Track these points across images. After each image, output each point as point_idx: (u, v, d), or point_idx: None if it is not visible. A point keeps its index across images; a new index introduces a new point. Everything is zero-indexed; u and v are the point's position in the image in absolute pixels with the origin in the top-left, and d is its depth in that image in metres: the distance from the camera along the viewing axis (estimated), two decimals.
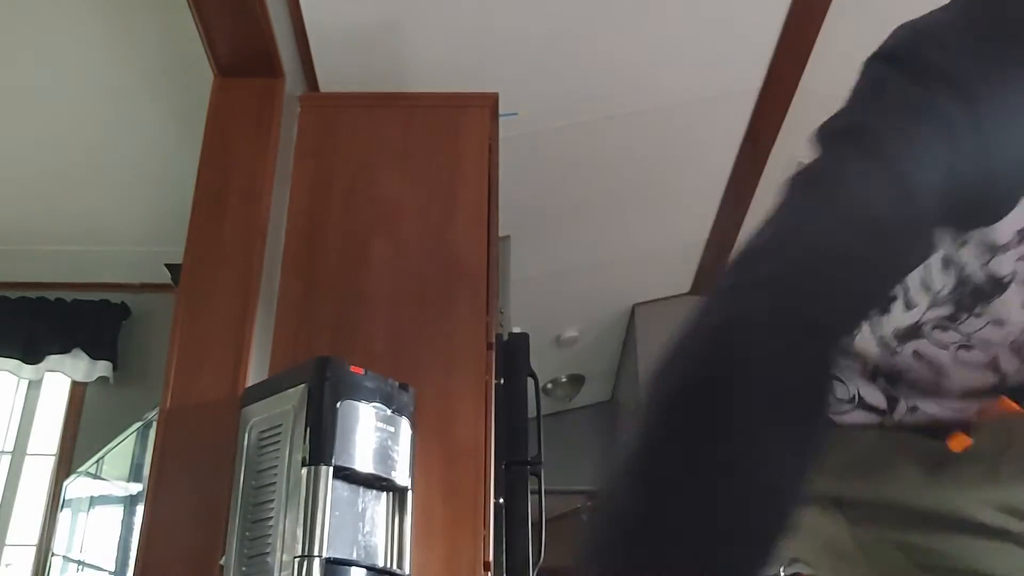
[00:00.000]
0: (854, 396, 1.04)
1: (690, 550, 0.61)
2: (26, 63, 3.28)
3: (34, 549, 4.13)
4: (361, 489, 2.27)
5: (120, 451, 3.54)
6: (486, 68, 3.28)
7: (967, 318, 0.95)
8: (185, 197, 2.73)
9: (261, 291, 2.63)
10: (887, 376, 1.02)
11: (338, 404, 2.21)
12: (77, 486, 3.91)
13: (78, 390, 4.33)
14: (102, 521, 3.59)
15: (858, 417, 1.03)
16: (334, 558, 2.11)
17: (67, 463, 4.18)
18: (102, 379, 4.25)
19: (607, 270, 5.04)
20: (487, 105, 3.02)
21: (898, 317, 1.00)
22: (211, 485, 2.35)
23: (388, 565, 2.28)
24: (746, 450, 0.63)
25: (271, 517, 2.18)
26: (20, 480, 4.27)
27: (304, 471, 2.13)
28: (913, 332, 0.99)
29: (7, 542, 4.17)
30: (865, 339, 1.03)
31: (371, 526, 2.28)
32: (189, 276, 2.63)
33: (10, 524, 4.19)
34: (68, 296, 4.36)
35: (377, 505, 2.31)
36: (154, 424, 2.57)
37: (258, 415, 2.36)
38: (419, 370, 2.61)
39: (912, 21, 0.97)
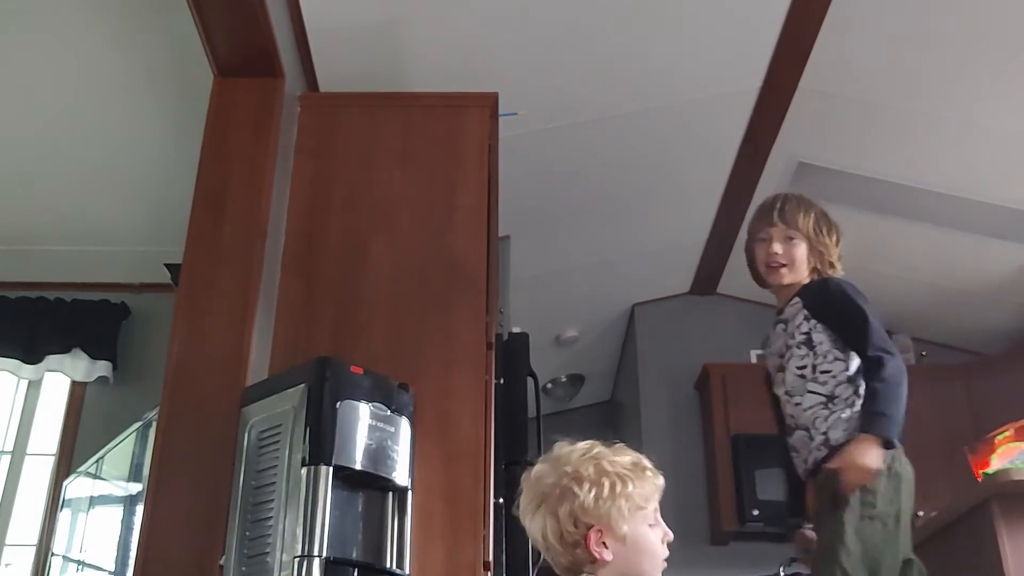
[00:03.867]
0: None
1: None
2: (26, 63, 3.28)
3: (34, 549, 4.12)
4: (361, 489, 2.28)
5: (120, 451, 3.54)
6: (486, 68, 3.28)
7: None
8: (185, 197, 2.73)
9: (261, 291, 2.63)
10: None
11: (338, 404, 2.21)
12: (77, 486, 3.90)
13: (78, 390, 4.33)
14: (102, 521, 3.59)
15: None
16: (334, 558, 2.11)
17: (67, 463, 4.18)
18: (102, 379, 4.25)
19: (607, 270, 5.04)
20: (487, 105, 3.02)
21: None
22: (211, 485, 2.35)
23: (388, 565, 2.28)
24: None
25: (271, 517, 2.18)
26: (20, 480, 4.26)
27: (304, 471, 2.13)
28: None
29: (7, 542, 4.17)
30: None
31: (371, 526, 2.28)
32: (189, 276, 2.63)
33: (10, 524, 4.19)
34: (68, 296, 4.36)
35: (377, 505, 2.31)
36: (154, 424, 2.56)
37: (258, 415, 2.35)
38: (419, 370, 2.61)
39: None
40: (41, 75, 3.33)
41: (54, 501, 4.08)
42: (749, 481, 4.55)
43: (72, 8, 3.06)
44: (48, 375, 4.31)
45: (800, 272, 2.45)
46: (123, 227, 4.16)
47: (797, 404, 2.35)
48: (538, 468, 1.67)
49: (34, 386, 4.41)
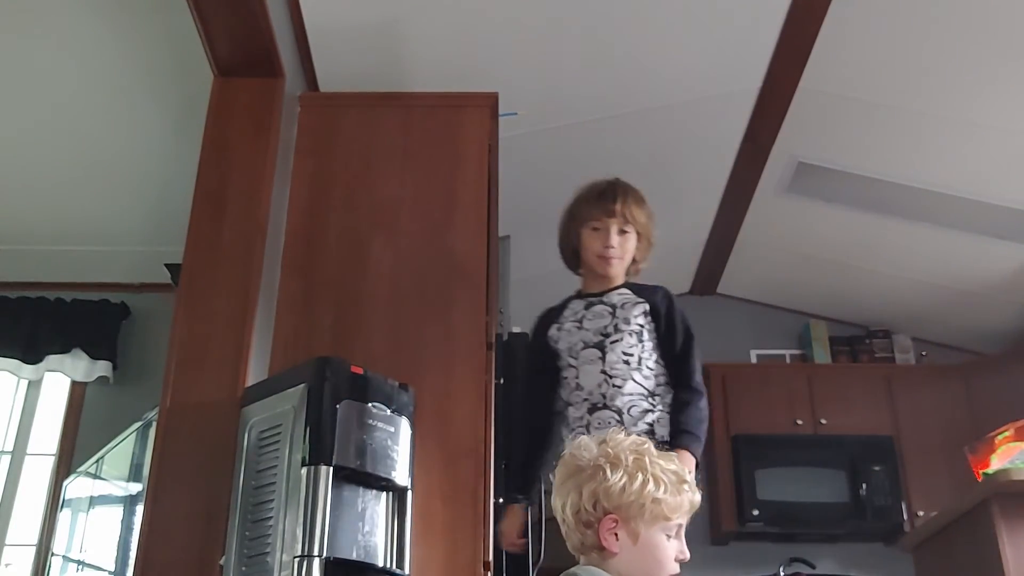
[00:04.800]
0: None
1: None
2: (26, 63, 3.28)
3: (34, 549, 4.13)
4: (361, 489, 2.27)
5: (120, 451, 3.54)
6: (486, 68, 3.28)
7: None
8: (185, 197, 2.73)
9: (261, 291, 2.63)
10: None
11: (338, 404, 2.21)
12: (77, 486, 3.90)
13: (78, 390, 4.33)
14: (102, 521, 3.59)
15: None
16: (334, 558, 2.11)
17: (67, 463, 4.18)
18: (102, 379, 4.25)
19: None
20: (487, 105, 3.02)
21: None
22: (211, 485, 2.35)
23: (388, 565, 2.28)
24: None
25: (271, 517, 2.18)
26: (20, 480, 4.27)
27: (304, 471, 2.13)
28: None
29: (7, 542, 4.17)
30: None
31: (371, 526, 2.28)
32: (189, 276, 2.63)
33: (10, 524, 4.19)
34: (68, 296, 4.36)
35: (377, 505, 2.31)
36: (154, 424, 2.56)
37: (258, 415, 2.35)
38: (419, 370, 2.61)
39: None
40: (41, 75, 3.33)
41: (54, 501, 4.09)
42: (749, 481, 4.56)
43: (72, 8, 3.06)
44: (48, 375, 4.31)
45: (627, 263, 2.56)
46: (123, 227, 4.17)
47: (617, 387, 2.40)
48: (583, 440, 1.65)
49: (34, 386, 4.41)
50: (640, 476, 1.57)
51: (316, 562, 2.06)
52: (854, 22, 3.32)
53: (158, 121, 3.52)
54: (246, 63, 2.78)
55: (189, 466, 2.40)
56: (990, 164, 3.86)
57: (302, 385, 2.24)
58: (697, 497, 1.61)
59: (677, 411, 2.39)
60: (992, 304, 4.75)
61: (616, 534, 1.56)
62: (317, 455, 2.14)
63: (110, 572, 3.30)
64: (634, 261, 2.59)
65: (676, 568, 1.59)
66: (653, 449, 1.62)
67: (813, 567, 4.48)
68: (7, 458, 4.30)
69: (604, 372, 2.43)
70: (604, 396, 2.41)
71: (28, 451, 4.32)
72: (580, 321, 2.53)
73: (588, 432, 2.35)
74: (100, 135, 3.62)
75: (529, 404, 2.63)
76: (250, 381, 2.50)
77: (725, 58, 3.50)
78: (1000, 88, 3.50)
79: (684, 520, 1.61)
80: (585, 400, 2.43)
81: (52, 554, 3.90)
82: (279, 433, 2.25)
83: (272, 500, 2.19)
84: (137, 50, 3.21)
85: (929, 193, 4.07)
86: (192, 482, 2.38)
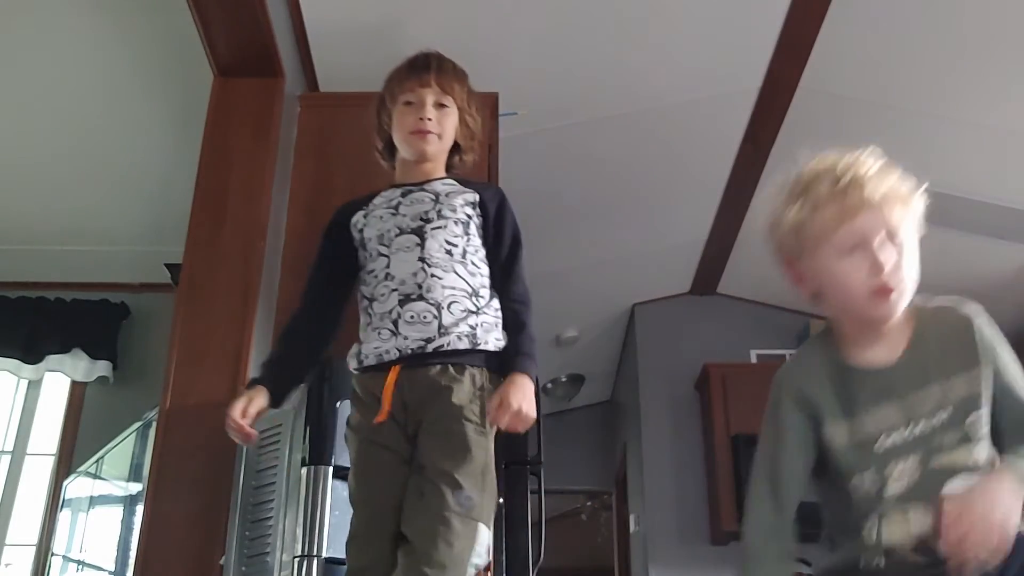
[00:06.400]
0: None
1: None
2: (26, 63, 3.28)
3: (34, 549, 4.13)
4: None
5: (120, 451, 3.54)
6: (486, 68, 3.27)
7: None
8: (185, 197, 2.73)
9: (261, 291, 2.63)
10: None
11: (338, 404, 2.21)
12: (77, 486, 3.90)
13: (78, 390, 4.33)
14: (102, 521, 3.59)
15: None
16: (334, 558, 2.11)
17: (67, 463, 4.18)
18: (102, 379, 4.26)
19: (607, 270, 5.04)
20: (487, 105, 3.02)
21: None
22: (211, 485, 2.35)
23: None
24: None
25: (271, 517, 2.18)
26: (20, 480, 4.27)
27: (304, 471, 2.13)
28: None
29: (7, 542, 4.17)
30: None
31: None
32: (189, 276, 2.63)
33: (10, 524, 4.19)
34: (68, 296, 4.36)
35: None
36: (154, 424, 2.56)
37: None
38: None
39: None
40: (41, 75, 3.33)
41: (54, 501, 4.09)
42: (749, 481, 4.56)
43: (72, 8, 3.06)
44: (48, 375, 4.31)
45: (446, 145, 2.22)
46: (123, 227, 4.17)
47: (436, 277, 2.06)
48: None
49: (34, 386, 4.41)
50: (783, 204, 1.33)
51: (316, 562, 2.06)
52: (854, 22, 3.32)
53: (158, 121, 3.52)
54: (246, 63, 2.79)
55: (189, 466, 2.40)
56: (990, 164, 3.86)
57: (302, 385, 2.24)
58: (857, 196, 1.30)
59: (510, 331, 2.14)
60: (992, 304, 4.73)
61: (799, 276, 1.36)
62: (317, 455, 2.14)
63: (110, 572, 3.31)
64: (459, 150, 2.26)
65: (881, 283, 1.35)
66: (824, 158, 1.35)
67: None
68: (7, 458, 4.30)
69: (422, 260, 2.07)
70: (420, 287, 2.05)
71: (28, 451, 4.33)
72: (395, 207, 2.18)
73: (396, 329, 1.99)
74: (100, 135, 3.62)
75: (303, 299, 2.15)
76: None
77: (725, 58, 3.50)
78: (1000, 88, 3.50)
79: (860, 224, 1.32)
80: (395, 291, 2.06)
81: (52, 554, 3.90)
82: (279, 433, 2.25)
83: (272, 500, 2.20)
84: (137, 50, 3.21)
85: (929, 193, 4.07)
86: (192, 482, 2.38)
